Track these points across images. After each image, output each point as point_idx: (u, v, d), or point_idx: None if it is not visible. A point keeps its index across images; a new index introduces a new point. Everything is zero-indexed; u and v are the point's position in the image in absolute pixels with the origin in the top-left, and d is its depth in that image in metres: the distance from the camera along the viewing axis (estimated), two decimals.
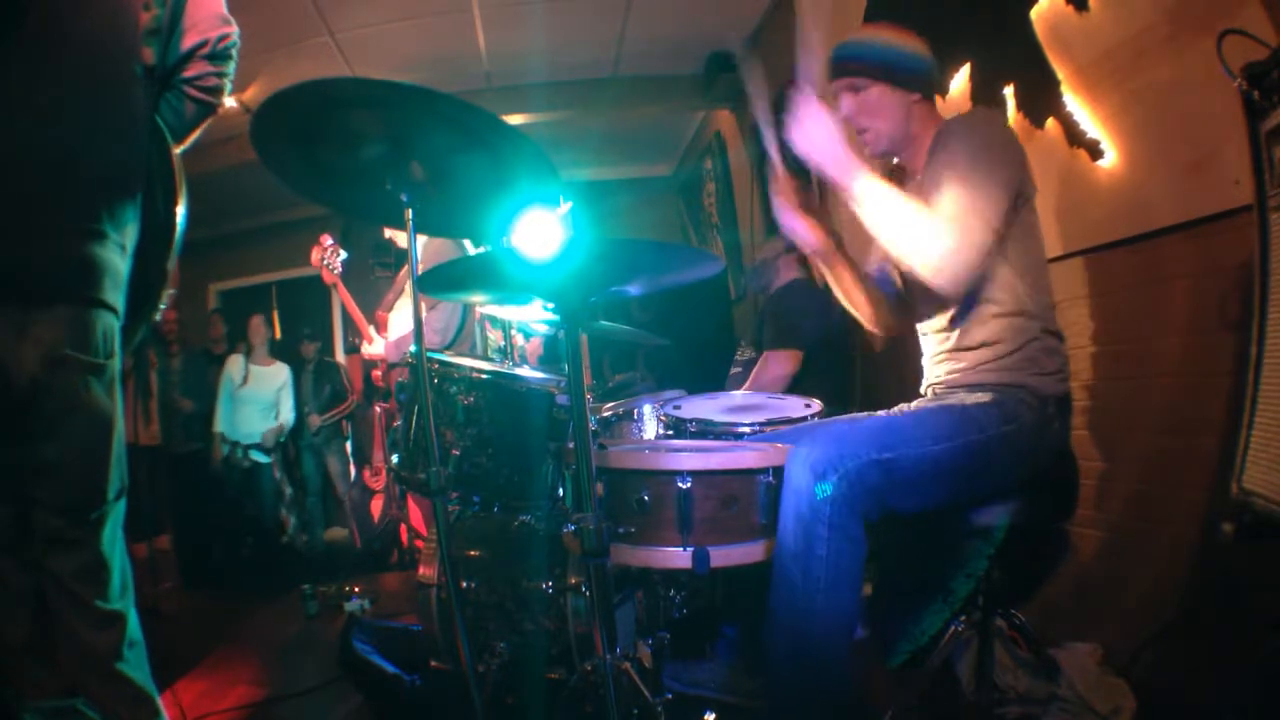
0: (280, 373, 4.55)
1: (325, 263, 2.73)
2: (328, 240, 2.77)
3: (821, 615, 1.16)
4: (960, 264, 1.26)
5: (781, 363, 2.66)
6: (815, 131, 1.30)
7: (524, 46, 4.04)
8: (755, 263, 3.14)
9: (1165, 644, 1.54)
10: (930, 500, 1.26)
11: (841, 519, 1.15)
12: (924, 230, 1.27)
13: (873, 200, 1.30)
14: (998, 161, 1.30)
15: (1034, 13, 1.88)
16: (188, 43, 1.21)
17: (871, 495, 1.18)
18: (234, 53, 1.28)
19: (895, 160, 1.54)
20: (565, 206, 1.31)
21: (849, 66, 1.44)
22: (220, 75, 1.26)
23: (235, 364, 4.43)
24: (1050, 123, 1.87)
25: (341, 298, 2.75)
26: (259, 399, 4.42)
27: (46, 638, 0.98)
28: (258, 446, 4.43)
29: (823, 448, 1.19)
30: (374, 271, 3.81)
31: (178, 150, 1.24)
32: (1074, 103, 1.79)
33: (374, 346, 2.70)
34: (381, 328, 3.00)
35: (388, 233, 2.85)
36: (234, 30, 1.27)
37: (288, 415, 4.53)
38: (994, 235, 1.28)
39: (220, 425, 4.33)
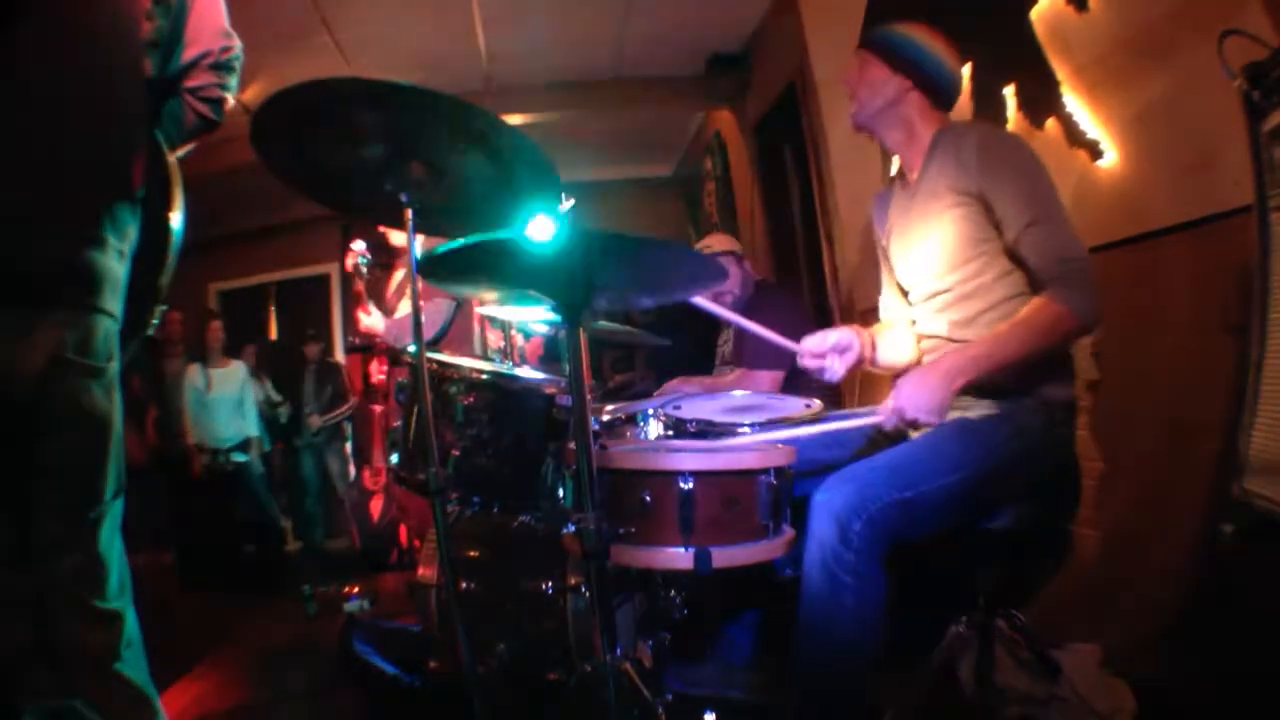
0: (238, 370, 4.57)
1: (358, 270, 2.70)
2: (359, 245, 2.71)
3: (848, 656, 1.17)
4: (1091, 293, 1.26)
5: (759, 385, 2.43)
6: (922, 400, 1.27)
7: (524, 47, 4.04)
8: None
9: (1165, 644, 1.54)
10: (941, 527, 1.27)
11: (865, 565, 1.16)
12: (1049, 311, 1.26)
13: (999, 355, 1.28)
14: (1047, 178, 1.37)
15: (1034, 13, 1.88)
16: (190, 54, 1.22)
17: (892, 535, 1.19)
18: (236, 65, 1.30)
19: (896, 166, 1.55)
20: (568, 203, 1.31)
21: (864, 40, 1.56)
22: (222, 87, 1.28)
23: (195, 373, 4.43)
24: (1050, 123, 1.87)
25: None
26: (226, 400, 4.45)
27: (46, 639, 0.98)
28: (238, 448, 4.45)
29: (843, 495, 1.19)
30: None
31: (172, 158, 1.24)
32: (1074, 103, 1.79)
33: (371, 319, 2.65)
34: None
35: (380, 228, 2.82)
36: (236, 45, 1.29)
37: (253, 420, 4.55)
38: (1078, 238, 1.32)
39: (194, 436, 4.35)
